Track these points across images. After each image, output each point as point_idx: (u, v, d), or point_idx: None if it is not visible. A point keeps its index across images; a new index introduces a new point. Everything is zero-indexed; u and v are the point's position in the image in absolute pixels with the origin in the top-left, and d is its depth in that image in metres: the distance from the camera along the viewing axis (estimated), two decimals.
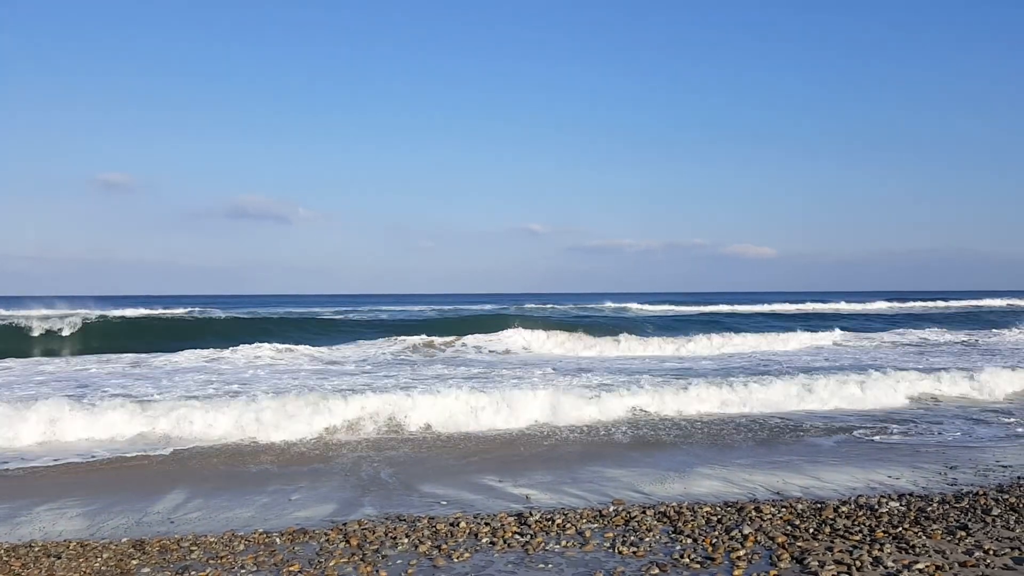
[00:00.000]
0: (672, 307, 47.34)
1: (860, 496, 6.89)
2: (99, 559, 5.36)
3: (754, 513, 6.23)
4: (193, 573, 5.06)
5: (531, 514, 6.31)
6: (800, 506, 6.46)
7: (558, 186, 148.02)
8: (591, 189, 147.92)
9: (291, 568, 5.11)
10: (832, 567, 4.88)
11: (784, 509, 6.34)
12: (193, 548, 5.58)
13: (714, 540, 5.56)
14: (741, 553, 5.25)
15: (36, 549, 5.57)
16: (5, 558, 5.35)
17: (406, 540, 5.66)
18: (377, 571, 5.04)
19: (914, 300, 62.77)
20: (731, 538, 5.59)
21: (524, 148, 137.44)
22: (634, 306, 47.57)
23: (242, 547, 5.60)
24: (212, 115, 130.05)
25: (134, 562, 5.30)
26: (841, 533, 5.65)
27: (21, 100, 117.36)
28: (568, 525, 5.99)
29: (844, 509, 6.32)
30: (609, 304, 48.10)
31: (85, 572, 5.12)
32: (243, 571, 5.10)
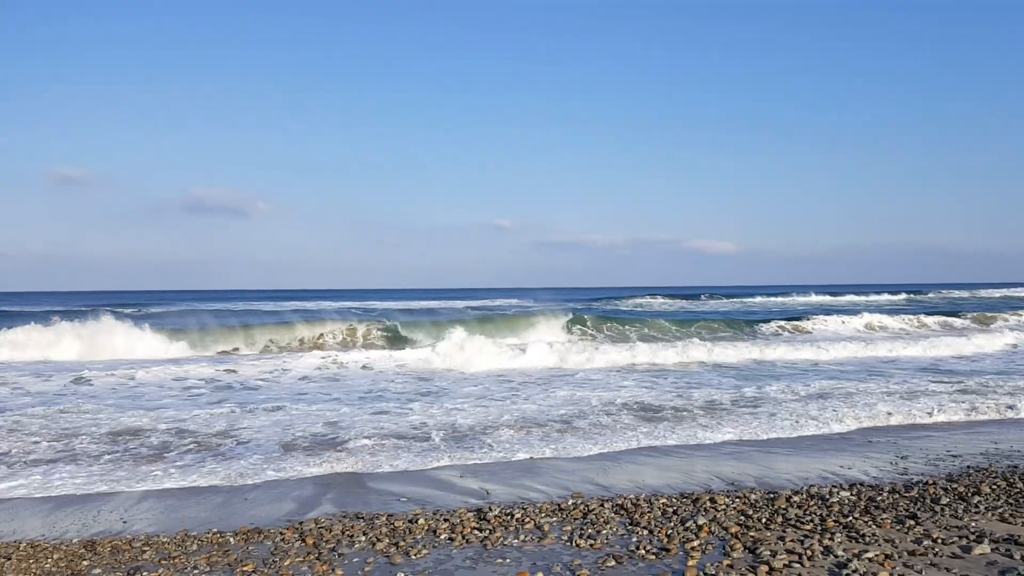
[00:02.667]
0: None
1: (812, 486, 7.01)
2: (49, 560, 5.26)
3: (709, 504, 6.31)
4: (145, 574, 4.99)
5: (490, 509, 6.32)
6: (753, 496, 6.55)
7: (524, 182, 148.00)
8: (557, 185, 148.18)
9: (245, 568, 5.06)
10: (784, 556, 4.96)
11: (738, 499, 6.43)
12: (145, 548, 5.50)
13: (669, 531, 5.62)
14: (695, 544, 5.31)
15: None
16: None
17: (363, 538, 5.64)
18: (333, 569, 5.01)
19: (904, 292, 65.22)
20: (686, 529, 5.66)
21: (490, 143, 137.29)
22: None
23: (195, 547, 5.53)
24: (169, 107, 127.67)
25: (85, 563, 5.21)
26: (793, 523, 5.74)
27: None
28: (527, 519, 6.01)
29: (796, 499, 6.43)
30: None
31: (35, 573, 5.02)
32: (196, 571, 5.03)
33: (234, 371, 16.11)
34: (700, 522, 5.77)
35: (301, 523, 6.10)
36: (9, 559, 5.28)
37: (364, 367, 17.35)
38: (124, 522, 6.24)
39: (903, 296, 62.35)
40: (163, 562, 5.21)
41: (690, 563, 4.96)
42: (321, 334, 25.20)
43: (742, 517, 5.92)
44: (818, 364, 18.45)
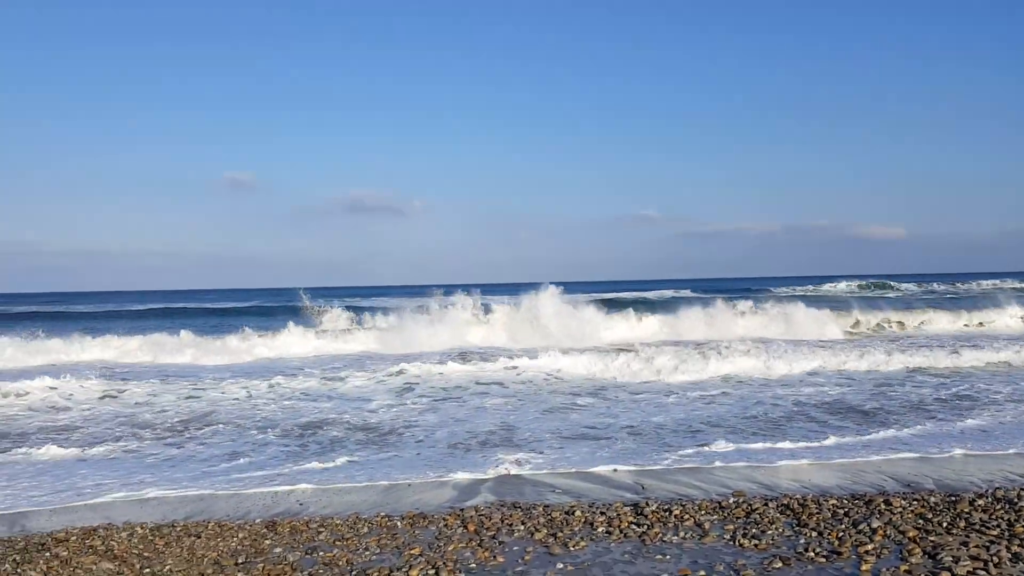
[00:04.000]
0: None
1: (998, 488, 6.51)
2: (235, 538, 5.67)
3: (883, 506, 5.98)
4: (321, 553, 5.29)
5: (647, 504, 6.26)
6: (932, 499, 6.15)
7: (670, 171, 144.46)
8: (704, 173, 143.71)
9: (412, 551, 5.26)
10: (967, 563, 4.63)
11: (916, 502, 6.06)
12: (321, 530, 5.83)
13: (840, 534, 5.37)
14: (869, 547, 5.05)
15: (178, 529, 5.95)
16: (150, 537, 5.73)
17: (522, 527, 5.73)
18: (495, 556, 5.12)
19: None
20: (859, 532, 5.39)
21: (632, 134, 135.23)
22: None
23: (366, 530, 5.81)
24: (328, 113, 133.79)
25: (267, 542, 5.58)
26: (977, 528, 5.35)
27: (153, 104, 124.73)
28: (686, 516, 5.91)
29: (980, 503, 5.99)
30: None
31: (223, 551, 5.42)
32: (367, 552, 5.29)
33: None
34: (874, 525, 5.47)
35: (462, 510, 6.27)
36: (199, 537, 5.73)
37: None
38: (301, 504, 6.64)
39: None
40: (337, 543, 5.51)
41: (864, 567, 4.72)
42: None
43: (920, 521, 5.58)
44: None
